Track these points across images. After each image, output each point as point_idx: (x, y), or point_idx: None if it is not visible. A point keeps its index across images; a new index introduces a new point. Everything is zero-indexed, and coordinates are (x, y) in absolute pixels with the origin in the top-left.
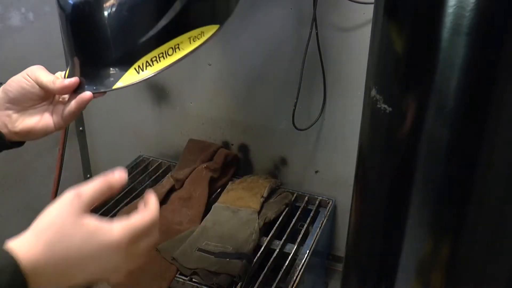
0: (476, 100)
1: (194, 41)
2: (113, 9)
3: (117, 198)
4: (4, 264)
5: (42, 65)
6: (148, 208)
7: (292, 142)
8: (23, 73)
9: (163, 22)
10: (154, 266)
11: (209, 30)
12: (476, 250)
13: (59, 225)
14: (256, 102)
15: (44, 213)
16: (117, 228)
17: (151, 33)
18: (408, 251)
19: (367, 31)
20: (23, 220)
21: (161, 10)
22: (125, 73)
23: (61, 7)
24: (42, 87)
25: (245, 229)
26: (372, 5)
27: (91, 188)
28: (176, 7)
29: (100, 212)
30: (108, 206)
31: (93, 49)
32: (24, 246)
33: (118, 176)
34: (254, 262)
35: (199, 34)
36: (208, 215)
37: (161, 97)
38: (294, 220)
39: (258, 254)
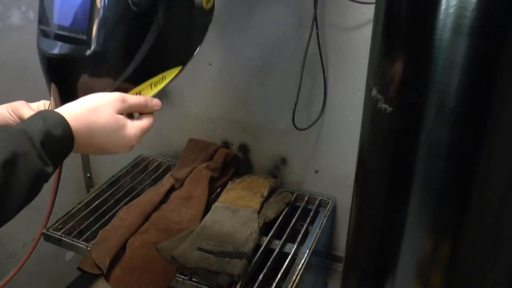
0: (477, 101)
1: (155, 86)
2: (82, 65)
3: (117, 197)
4: (58, 122)
5: None
6: (149, 119)
7: (292, 142)
8: (8, 107)
9: (125, 75)
10: (154, 266)
11: (171, 74)
12: (476, 250)
13: (102, 114)
14: (256, 102)
15: (93, 96)
16: (135, 128)
17: (115, 84)
18: (408, 251)
19: (367, 31)
20: (23, 218)
21: (123, 63)
22: None
23: (40, 53)
24: None
25: (245, 228)
26: (373, 5)
27: (134, 100)
28: (137, 60)
29: (103, 208)
30: (109, 204)
31: (65, 98)
32: (72, 116)
33: (155, 102)
34: (253, 262)
35: (160, 79)
36: (208, 214)
37: (161, 96)
38: (294, 220)
39: (258, 254)
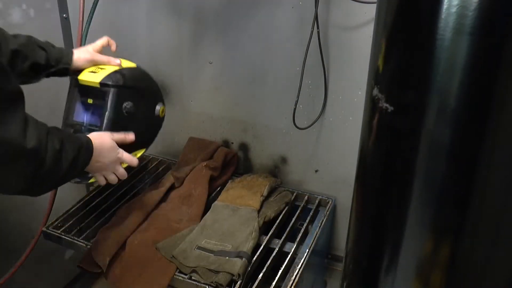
0: (478, 100)
1: None
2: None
3: (117, 195)
4: (89, 141)
5: None
6: (130, 157)
7: (293, 141)
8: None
9: None
10: (153, 264)
11: (139, 152)
12: (476, 250)
13: (103, 140)
14: (256, 101)
15: (96, 133)
16: (121, 149)
17: None
18: (408, 251)
19: (368, 30)
20: (23, 216)
21: None
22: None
23: None
24: None
25: (245, 227)
26: (374, 4)
27: (117, 135)
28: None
29: (103, 207)
30: (108, 203)
31: None
32: (92, 139)
33: (130, 136)
34: (253, 261)
35: (134, 155)
36: (207, 213)
37: None
38: (293, 219)
39: (258, 253)
